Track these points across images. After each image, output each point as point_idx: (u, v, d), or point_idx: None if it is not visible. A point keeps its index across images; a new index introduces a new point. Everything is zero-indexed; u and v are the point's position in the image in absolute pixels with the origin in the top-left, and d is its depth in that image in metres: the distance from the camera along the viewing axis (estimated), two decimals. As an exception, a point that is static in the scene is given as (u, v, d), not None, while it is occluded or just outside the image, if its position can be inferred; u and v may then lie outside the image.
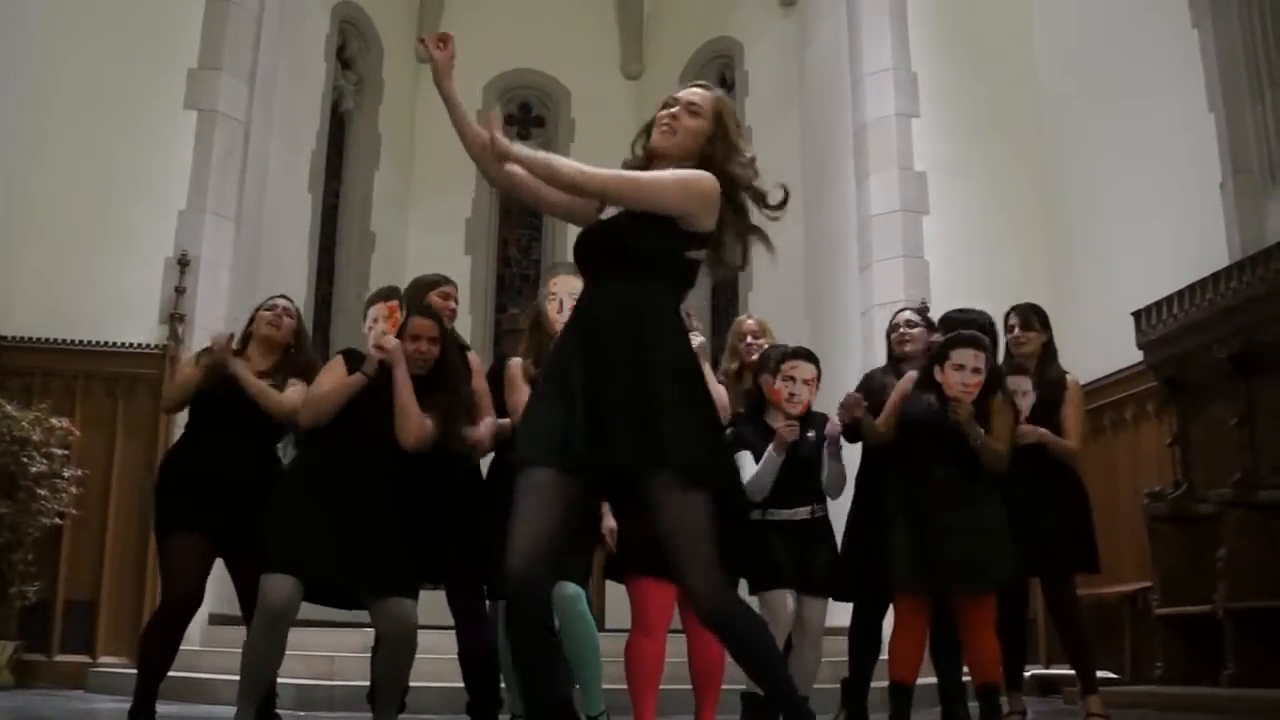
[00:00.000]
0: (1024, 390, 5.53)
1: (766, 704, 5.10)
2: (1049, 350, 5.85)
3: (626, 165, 3.43)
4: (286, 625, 4.52)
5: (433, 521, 4.79)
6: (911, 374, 5.32)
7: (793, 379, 5.14)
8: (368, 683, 5.09)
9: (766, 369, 5.33)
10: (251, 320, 5.21)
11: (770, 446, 5.06)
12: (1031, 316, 5.84)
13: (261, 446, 5.05)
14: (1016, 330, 5.81)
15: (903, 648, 5.24)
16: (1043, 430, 5.53)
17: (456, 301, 5.50)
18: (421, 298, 5.30)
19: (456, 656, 5.03)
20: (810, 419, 5.27)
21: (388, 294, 4.86)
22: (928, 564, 5.06)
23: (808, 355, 5.24)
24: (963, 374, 5.05)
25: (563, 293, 4.87)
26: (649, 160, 3.37)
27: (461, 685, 5.11)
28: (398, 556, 4.57)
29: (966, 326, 5.36)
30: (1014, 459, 5.29)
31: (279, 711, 5.30)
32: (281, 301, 5.21)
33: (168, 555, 4.85)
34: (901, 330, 5.75)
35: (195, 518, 4.78)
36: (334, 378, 4.70)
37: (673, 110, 3.34)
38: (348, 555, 4.43)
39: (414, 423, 4.65)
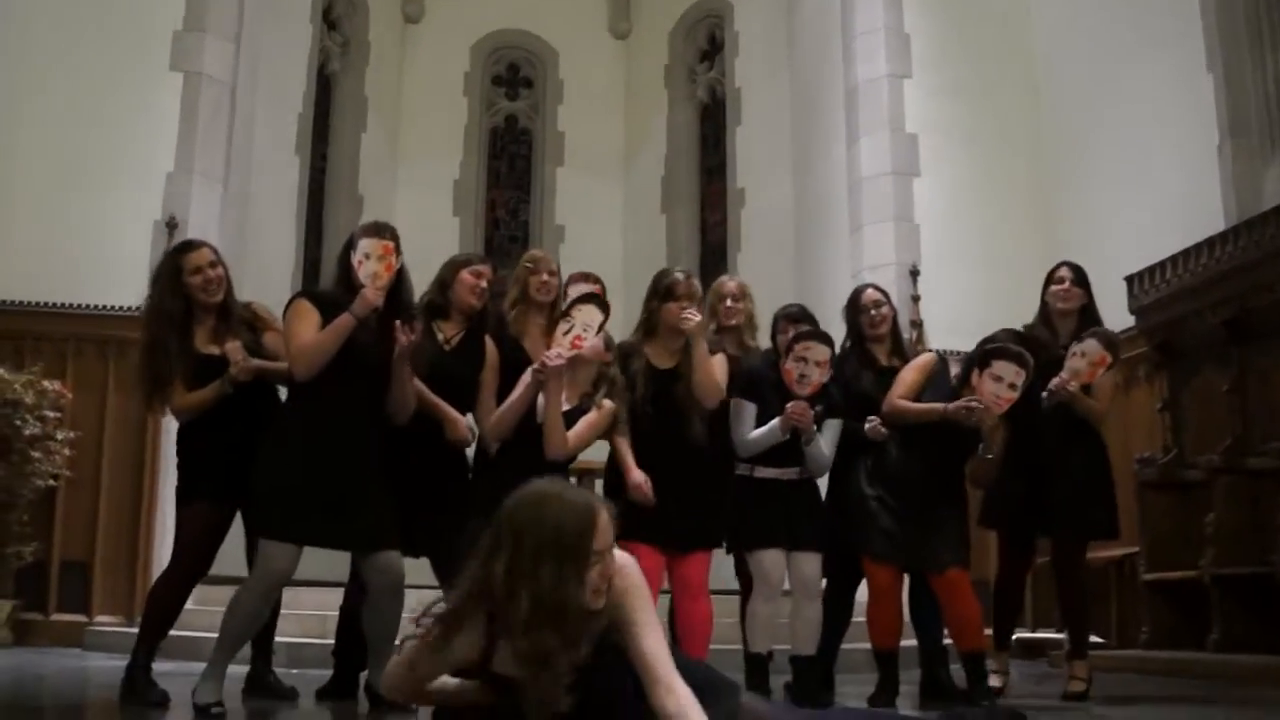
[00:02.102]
0: (1081, 352, 5.40)
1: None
2: (1088, 312, 5.76)
3: None
4: (282, 588, 4.57)
5: (420, 493, 4.76)
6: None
7: (804, 360, 5.04)
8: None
9: (779, 330, 5.33)
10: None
11: (777, 419, 5.05)
12: (1083, 274, 5.77)
13: (271, 404, 4.91)
14: (1068, 284, 5.71)
15: (881, 616, 5.26)
16: (1077, 392, 5.41)
17: (489, 281, 5.27)
18: (454, 275, 5.22)
19: None
20: (821, 391, 5.24)
21: (382, 229, 4.61)
22: (900, 537, 5.11)
23: (824, 338, 5.14)
24: (999, 386, 4.92)
25: (579, 323, 4.69)
26: None
27: None
28: (386, 510, 4.58)
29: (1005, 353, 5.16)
30: (1042, 418, 5.32)
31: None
32: (210, 264, 4.89)
33: (184, 523, 4.82)
34: (873, 313, 5.66)
35: (215, 486, 4.73)
36: (311, 324, 4.50)
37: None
38: (342, 516, 4.43)
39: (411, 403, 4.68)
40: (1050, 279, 5.81)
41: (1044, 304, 5.80)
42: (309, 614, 7.15)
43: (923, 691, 5.57)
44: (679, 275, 5.15)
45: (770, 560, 5.09)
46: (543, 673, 2.86)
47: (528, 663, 2.87)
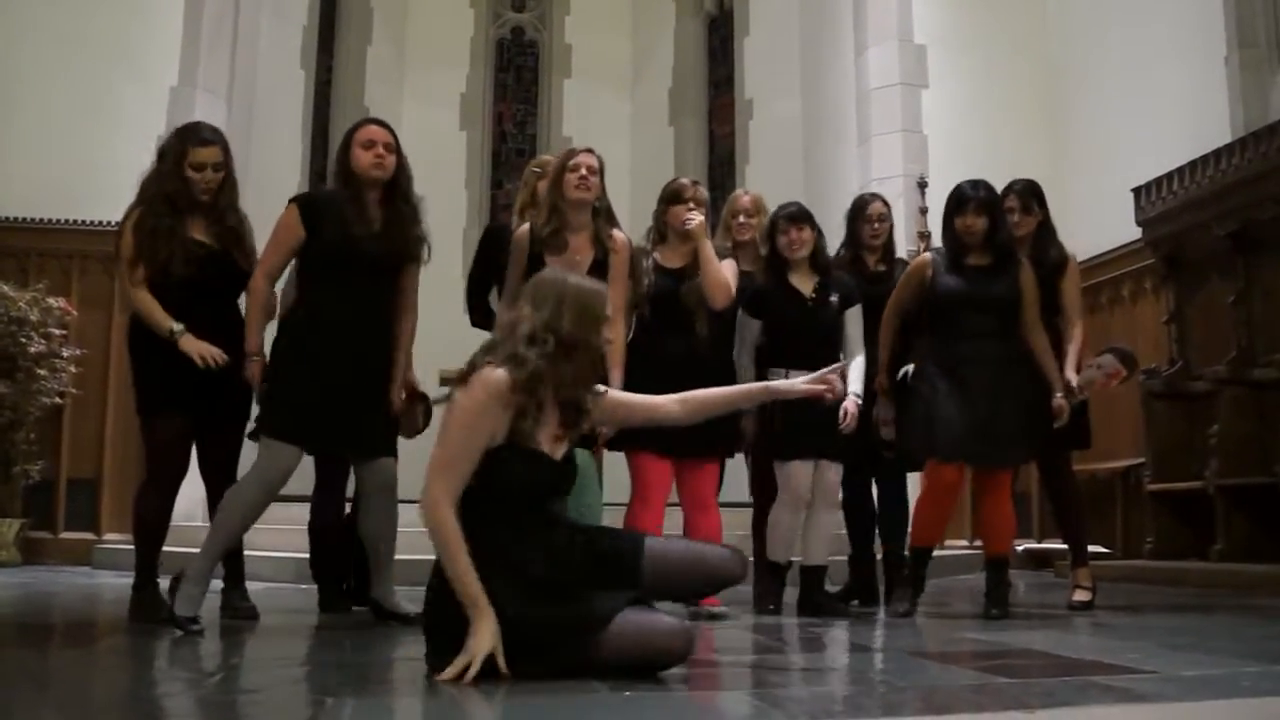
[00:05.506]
0: (1098, 365, 5.47)
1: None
2: (1044, 229, 5.70)
3: None
4: (281, 486, 4.60)
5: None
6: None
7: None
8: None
9: (780, 230, 5.31)
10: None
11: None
12: (1030, 199, 5.67)
13: (235, 316, 4.86)
14: (1016, 215, 5.68)
15: (937, 514, 5.22)
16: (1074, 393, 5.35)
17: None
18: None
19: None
20: (829, 285, 5.31)
21: None
22: (972, 434, 5.03)
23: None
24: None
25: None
26: None
27: None
28: (385, 417, 4.74)
29: (974, 200, 5.25)
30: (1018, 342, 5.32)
31: (279, 586, 5.41)
32: (214, 166, 4.81)
33: (154, 433, 4.76)
34: (876, 225, 5.83)
35: (174, 400, 4.68)
36: (286, 244, 4.64)
37: None
38: (346, 422, 4.56)
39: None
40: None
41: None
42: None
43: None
44: (685, 180, 5.32)
45: (798, 472, 5.14)
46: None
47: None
